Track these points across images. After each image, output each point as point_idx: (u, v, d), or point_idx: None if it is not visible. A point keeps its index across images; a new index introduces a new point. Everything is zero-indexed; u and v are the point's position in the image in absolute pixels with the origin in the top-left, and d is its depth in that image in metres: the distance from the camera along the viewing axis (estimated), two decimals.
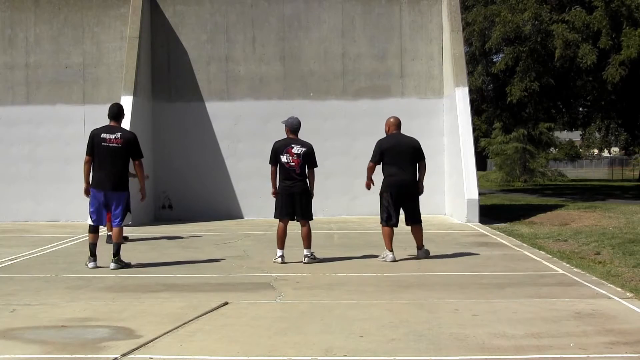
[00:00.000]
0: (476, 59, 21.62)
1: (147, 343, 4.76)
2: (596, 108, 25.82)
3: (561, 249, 9.62)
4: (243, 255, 9.20)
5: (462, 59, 14.30)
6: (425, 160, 8.57)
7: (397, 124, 8.56)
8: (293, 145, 8.33)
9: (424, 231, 8.75)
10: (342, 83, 15.35)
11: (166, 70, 15.42)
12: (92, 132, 8.14)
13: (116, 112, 8.16)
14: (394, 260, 8.21)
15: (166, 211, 15.25)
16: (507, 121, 26.08)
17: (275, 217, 8.57)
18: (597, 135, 46.49)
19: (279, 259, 8.34)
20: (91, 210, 8.12)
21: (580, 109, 27.53)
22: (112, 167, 7.95)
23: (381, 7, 15.37)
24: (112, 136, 7.97)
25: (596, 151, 68.12)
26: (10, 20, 15.30)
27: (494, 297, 6.20)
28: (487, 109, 24.42)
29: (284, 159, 8.28)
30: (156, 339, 4.87)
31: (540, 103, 23.19)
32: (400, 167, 8.29)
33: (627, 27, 17.71)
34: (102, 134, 8.00)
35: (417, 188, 8.44)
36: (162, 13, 15.35)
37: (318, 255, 8.58)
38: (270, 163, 8.45)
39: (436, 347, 4.60)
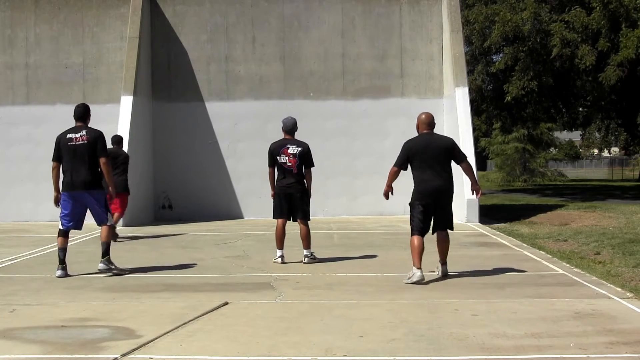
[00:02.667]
0: (476, 58, 21.64)
1: (147, 343, 4.76)
2: (596, 108, 25.83)
3: (561, 249, 9.62)
4: (243, 255, 9.20)
5: (462, 59, 14.31)
6: (468, 160, 7.46)
7: (429, 122, 7.27)
8: (289, 146, 8.31)
9: None
10: (342, 83, 15.36)
11: (166, 70, 15.42)
12: (57, 136, 7.83)
13: (81, 113, 7.83)
14: (422, 280, 6.92)
15: (166, 211, 15.25)
16: (506, 121, 26.09)
17: (274, 217, 8.56)
18: (597, 135, 46.55)
19: (279, 259, 8.34)
20: (62, 213, 7.73)
21: (580, 109, 27.53)
22: (81, 166, 7.63)
23: (381, 7, 15.37)
24: (78, 135, 7.68)
25: (596, 151, 68.18)
26: (10, 20, 15.30)
27: (494, 297, 6.20)
28: (486, 109, 24.43)
29: (281, 159, 8.28)
30: (156, 339, 4.87)
31: (540, 103, 23.21)
32: (432, 173, 7.08)
33: (625, 28, 17.72)
34: (68, 135, 7.73)
35: (450, 194, 7.25)
36: (162, 13, 15.35)
37: (318, 255, 8.58)
38: (268, 165, 8.47)
39: (436, 347, 4.59)
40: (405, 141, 7.35)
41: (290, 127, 8.49)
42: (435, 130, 7.44)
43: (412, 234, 7.15)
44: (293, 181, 8.29)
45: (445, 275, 7.26)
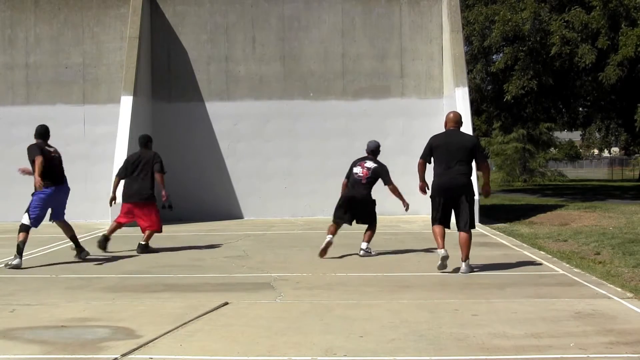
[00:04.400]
0: (476, 58, 21.65)
1: (147, 343, 4.76)
2: (596, 108, 25.83)
3: (561, 249, 9.62)
4: (243, 255, 9.20)
5: (462, 59, 14.31)
6: (487, 161, 7.91)
7: (456, 120, 7.64)
8: (367, 161, 9.06)
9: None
10: (342, 83, 15.35)
11: (166, 70, 15.42)
12: None
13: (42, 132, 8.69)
14: (446, 257, 7.38)
15: (166, 211, 15.20)
16: (505, 121, 26.10)
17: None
18: (597, 135, 46.54)
19: (331, 237, 8.77)
20: None
21: (580, 109, 27.53)
22: None
23: (381, 7, 15.37)
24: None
25: (596, 151, 68.19)
26: (10, 20, 15.30)
27: (494, 297, 6.20)
28: (487, 108, 24.42)
29: (355, 170, 9.00)
30: (156, 339, 4.87)
31: (540, 103, 23.20)
32: (448, 167, 7.38)
33: (625, 27, 17.73)
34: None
35: (469, 190, 7.44)
36: (162, 13, 15.35)
37: (317, 254, 8.62)
38: (345, 177, 9.17)
39: (436, 347, 4.60)
40: (431, 136, 7.75)
41: (372, 149, 9.14)
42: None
43: (433, 224, 7.56)
44: (360, 188, 8.92)
45: (469, 272, 7.39)
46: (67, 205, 9.05)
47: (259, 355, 4.49)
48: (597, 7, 17.97)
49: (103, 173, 14.38)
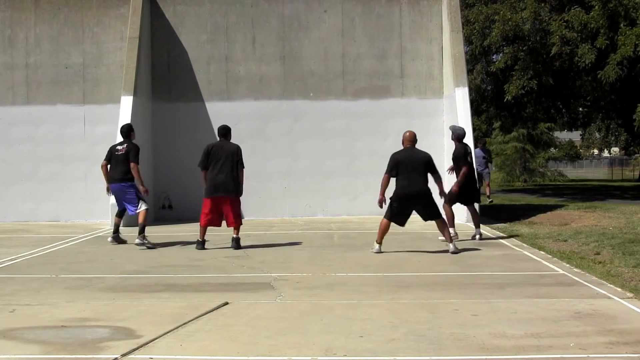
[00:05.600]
0: (476, 57, 21.66)
1: (147, 343, 4.77)
2: (596, 108, 25.84)
3: (561, 249, 9.62)
4: (243, 255, 9.20)
5: (462, 59, 14.30)
6: (439, 173, 9.17)
7: (411, 139, 9.20)
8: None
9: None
10: (342, 83, 15.35)
11: (166, 70, 15.41)
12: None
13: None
14: (379, 252, 8.94)
15: (166, 211, 15.24)
16: (505, 120, 26.11)
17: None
18: (597, 135, 46.54)
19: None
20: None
21: (580, 109, 27.54)
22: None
23: (381, 7, 15.37)
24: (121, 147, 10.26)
25: (596, 151, 68.19)
26: (10, 20, 15.29)
27: (494, 297, 6.20)
28: (486, 109, 24.42)
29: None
30: (156, 339, 4.87)
31: (540, 103, 23.22)
32: (411, 180, 8.83)
33: (624, 26, 17.74)
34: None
35: (427, 196, 8.91)
36: (162, 13, 15.35)
37: (317, 254, 8.62)
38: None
39: (436, 347, 4.60)
40: (393, 153, 9.17)
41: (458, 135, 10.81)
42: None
43: (384, 217, 8.98)
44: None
45: (457, 250, 8.91)
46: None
47: (259, 355, 4.50)
48: (597, 7, 17.98)
49: None
